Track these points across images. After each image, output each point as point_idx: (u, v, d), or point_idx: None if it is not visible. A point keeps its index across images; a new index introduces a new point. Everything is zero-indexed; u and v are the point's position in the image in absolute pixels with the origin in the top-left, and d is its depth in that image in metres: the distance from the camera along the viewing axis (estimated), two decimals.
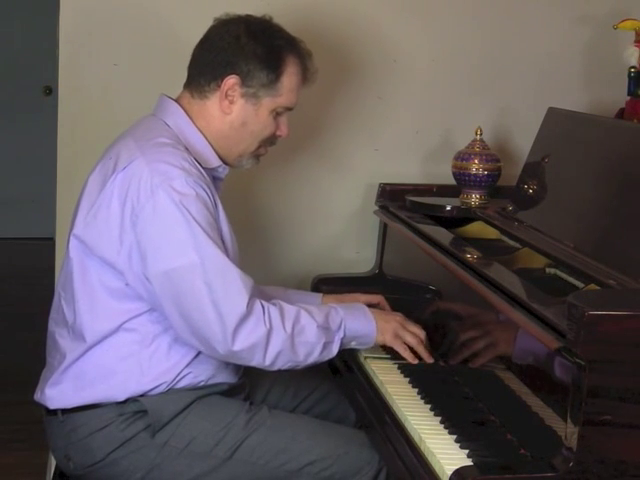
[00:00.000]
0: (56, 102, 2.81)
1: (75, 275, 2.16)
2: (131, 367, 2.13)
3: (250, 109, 2.23)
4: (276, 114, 2.26)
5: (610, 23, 2.69)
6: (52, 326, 2.25)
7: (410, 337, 2.24)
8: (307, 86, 2.32)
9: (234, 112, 2.23)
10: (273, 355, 2.08)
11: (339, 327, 2.16)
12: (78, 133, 2.79)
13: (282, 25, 2.30)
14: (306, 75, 2.29)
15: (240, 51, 2.20)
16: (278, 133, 2.30)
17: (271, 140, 2.31)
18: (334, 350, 2.16)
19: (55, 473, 2.31)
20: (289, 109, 2.28)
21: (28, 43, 6.81)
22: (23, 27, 6.83)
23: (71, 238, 2.17)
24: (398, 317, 2.28)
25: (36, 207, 6.69)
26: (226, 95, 2.21)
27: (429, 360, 2.24)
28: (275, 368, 2.12)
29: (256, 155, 2.31)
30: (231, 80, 2.20)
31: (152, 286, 2.07)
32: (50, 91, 6.56)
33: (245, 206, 2.89)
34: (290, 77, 2.24)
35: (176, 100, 2.27)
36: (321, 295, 2.50)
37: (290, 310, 2.12)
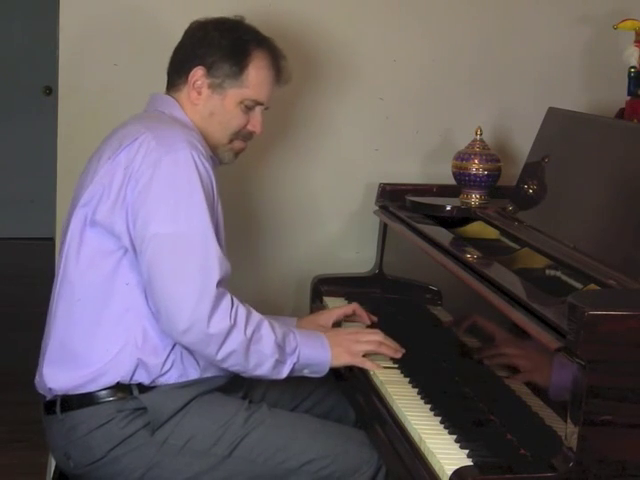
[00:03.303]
0: (56, 102, 2.82)
1: (71, 251, 2.17)
2: (126, 343, 2.13)
3: (216, 99, 2.28)
4: (245, 107, 2.29)
5: (610, 23, 2.69)
6: (51, 303, 2.26)
7: (367, 345, 2.25)
8: (281, 86, 2.36)
9: (201, 102, 2.28)
10: (226, 352, 2.08)
11: (293, 352, 2.16)
12: (78, 133, 2.79)
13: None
14: (278, 73, 2.33)
15: (206, 43, 2.27)
16: (250, 128, 2.32)
17: (244, 135, 2.34)
18: (284, 372, 2.16)
19: (55, 473, 2.31)
20: (259, 103, 2.31)
21: (28, 43, 6.81)
22: (23, 27, 6.83)
23: (75, 211, 2.17)
24: (350, 335, 2.29)
25: (36, 207, 6.69)
26: (194, 86, 2.27)
27: (397, 355, 2.26)
28: (223, 365, 2.12)
29: (231, 149, 2.34)
30: (198, 72, 2.26)
31: (138, 248, 2.09)
32: (50, 91, 6.55)
33: (245, 206, 2.89)
34: (257, 71, 2.28)
35: None
36: (295, 319, 2.49)
37: (255, 316, 2.13)
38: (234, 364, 2.12)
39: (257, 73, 2.28)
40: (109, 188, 2.12)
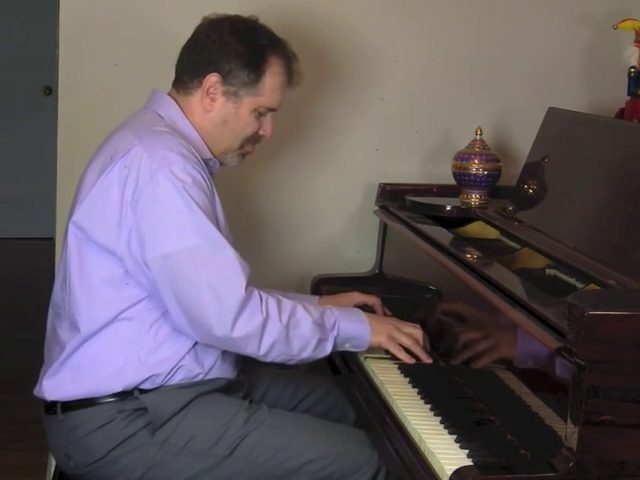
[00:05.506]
0: (56, 102, 2.82)
1: (72, 264, 2.17)
2: (130, 356, 2.13)
3: (231, 107, 2.25)
4: (258, 114, 2.27)
5: (610, 23, 2.69)
6: (52, 319, 2.26)
7: (405, 338, 2.25)
8: (292, 88, 2.33)
9: (215, 110, 2.25)
10: (268, 345, 2.09)
11: (333, 326, 2.17)
12: (78, 133, 2.79)
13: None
14: (291, 77, 2.30)
15: (222, 49, 2.23)
16: (261, 133, 2.31)
17: (255, 139, 2.33)
18: (328, 348, 2.17)
19: (55, 473, 2.31)
20: (272, 109, 2.29)
21: (28, 43, 6.81)
22: (23, 27, 6.83)
23: (70, 226, 2.18)
24: (393, 320, 2.31)
25: (36, 207, 6.68)
26: (207, 92, 2.24)
27: (427, 360, 2.24)
28: (269, 359, 2.13)
29: (241, 154, 2.33)
30: (212, 78, 2.22)
31: (150, 271, 2.08)
32: (50, 91, 6.56)
33: (245, 206, 2.89)
34: (273, 77, 2.25)
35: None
36: (317, 298, 2.50)
37: (287, 303, 2.14)
38: (279, 354, 2.12)
39: (272, 80, 2.25)
40: (105, 208, 2.11)
